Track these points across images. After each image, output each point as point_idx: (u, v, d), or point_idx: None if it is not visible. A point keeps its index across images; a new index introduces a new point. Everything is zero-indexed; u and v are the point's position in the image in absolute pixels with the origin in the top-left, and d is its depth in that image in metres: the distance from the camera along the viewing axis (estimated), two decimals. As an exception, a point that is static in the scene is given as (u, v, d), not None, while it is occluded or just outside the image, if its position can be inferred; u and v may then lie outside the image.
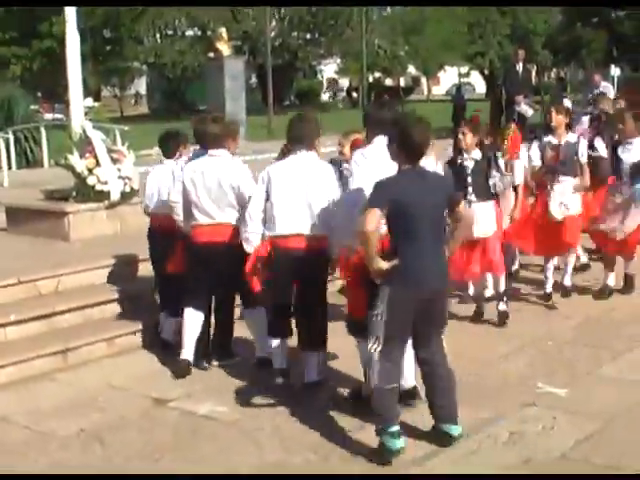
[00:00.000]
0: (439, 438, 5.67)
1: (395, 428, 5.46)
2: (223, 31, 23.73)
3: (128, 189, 10.19)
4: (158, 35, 49.72)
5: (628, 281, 9.23)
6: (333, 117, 25.72)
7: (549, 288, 8.89)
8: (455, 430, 5.66)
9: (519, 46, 25.71)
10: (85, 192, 10.05)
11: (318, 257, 6.51)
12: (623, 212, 8.66)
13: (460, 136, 8.16)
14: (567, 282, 9.08)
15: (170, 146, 7.94)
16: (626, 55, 47.28)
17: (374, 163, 5.97)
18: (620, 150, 8.90)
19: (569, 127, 8.98)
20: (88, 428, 6.18)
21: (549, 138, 8.86)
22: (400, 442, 5.48)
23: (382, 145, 5.96)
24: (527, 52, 22.19)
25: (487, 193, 8.09)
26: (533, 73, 21.77)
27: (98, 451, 5.83)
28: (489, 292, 8.66)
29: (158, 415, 6.41)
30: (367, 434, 5.72)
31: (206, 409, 6.42)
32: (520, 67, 19.40)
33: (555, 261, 9.14)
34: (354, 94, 55.05)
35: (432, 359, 5.66)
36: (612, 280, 9.05)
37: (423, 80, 68.97)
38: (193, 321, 7.16)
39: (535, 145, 8.99)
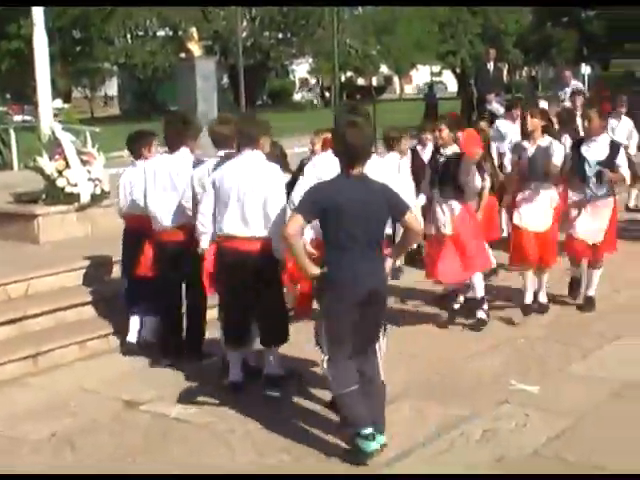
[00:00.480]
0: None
1: (367, 430, 5.43)
2: (194, 31, 23.59)
3: (98, 191, 10.13)
4: (129, 35, 49.49)
5: (586, 301, 8.63)
6: (306, 117, 25.69)
7: (528, 299, 8.44)
8: (379, 438, 5.52)
9: (490, 45, 25.88)
10: (55, 194, 9.98)
11: (261, 259, 6.39)
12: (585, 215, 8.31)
13: (437, 132, 8.13)
14: (542, 299, 8.56)
15: (134, 148, 7.95)
16: (596, 54, 47.65)
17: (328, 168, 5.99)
18: (584, 149, 8.34)
19: (547, 130, 8.50)
20: (60, 432, 6.14)
21: (523, 142, 8.57)
22: (374, 444, 5.45)
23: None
24: (498, 51, 22.34)
25: (455, 192, 7.92)
26: (504, 72, 21.86)
27: (69, 455, 5.79)
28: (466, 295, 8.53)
29: (129, 418, 6.37)
30: (341, 435, 5.72)
31: (177, 412, 6.39)
32: (491, 66, 19.52)
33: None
34: (327, 94, 55.09)
35: (365, 373, 5.59)
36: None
37: (395, 79, 69.21)
38: None
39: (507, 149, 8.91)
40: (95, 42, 43.57)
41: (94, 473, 5.49)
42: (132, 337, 7.78)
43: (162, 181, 7.25)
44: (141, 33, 49.92)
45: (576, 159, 8.36)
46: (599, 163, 8.24)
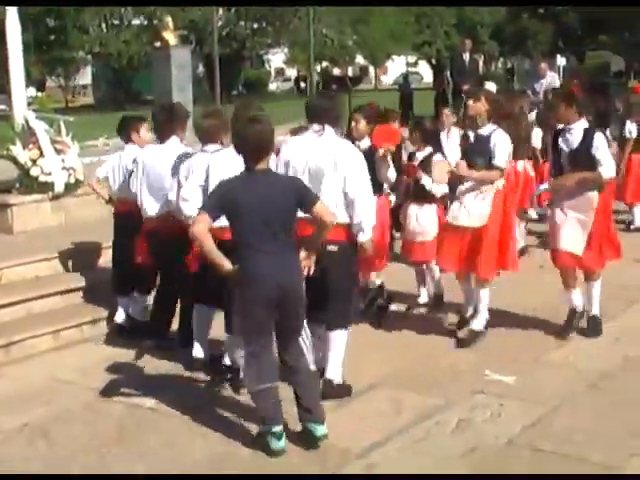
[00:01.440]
0: (304, 437, 5.61)
1: (277, 429, 5.47)
2: (169, 20, 23.45)
3: (73, 180, 10.06)
4: (104, 24, 49.13)
5: (590, 321, 7.65)
6: (281, 107, 25.64)
7: (467, 311, 7.83)
8: (319, 430, 5.56)
9: (466, 36, 25.88)
10: (28, 183, 9.90)
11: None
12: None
13: (352, 123, 7.75)
14: (477, 325, 7.53)
15: (123, 133, 8.03)
16: (571, 46, 47.89)
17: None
18: (560, 140, 7.45)
19: (492, 114, 7.47)
20: (32, 422, 6.10)
21: (469, 132, 7.69)
22: (281, 443, 5.47)
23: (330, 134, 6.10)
24: (474, 42, 22.38)
25: (376, 186, 7.11)
26: (480, 63, 21.88)
27: (42, 445, 5.75)
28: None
29: (103, 408, 6.33)
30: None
31: (152, 402, 6.35)
32: (467, 57, 19.55)
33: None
34: (302, 84, 54.99)
35: (291, 364, 5.60)
36: (579, 300, 7.66)
37: (371, 69, 69.18)
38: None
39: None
40: (69, 31, 43.24)
41: (69, 464, 5.46)
42: (119, 318, 7.81)
43: (150, 170, 7.21)
44: (116, 22, 49.55)
45: (554, 153, 7.63)
46: (573, 152, 7.33)
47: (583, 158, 7.23)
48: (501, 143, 7.35)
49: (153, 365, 7.14)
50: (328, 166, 6.11)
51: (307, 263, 5.76)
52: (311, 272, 5.85)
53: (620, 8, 37.76)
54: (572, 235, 7.32)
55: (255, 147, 5.39)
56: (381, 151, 7.60)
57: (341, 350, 6.35)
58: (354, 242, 6.24)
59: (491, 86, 11.33)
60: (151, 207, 7.21)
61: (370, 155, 7.28)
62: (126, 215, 7.61)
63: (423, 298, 8.57)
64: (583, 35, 46.43)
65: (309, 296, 5.99)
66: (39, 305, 8.01)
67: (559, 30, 46.86)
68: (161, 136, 7.35)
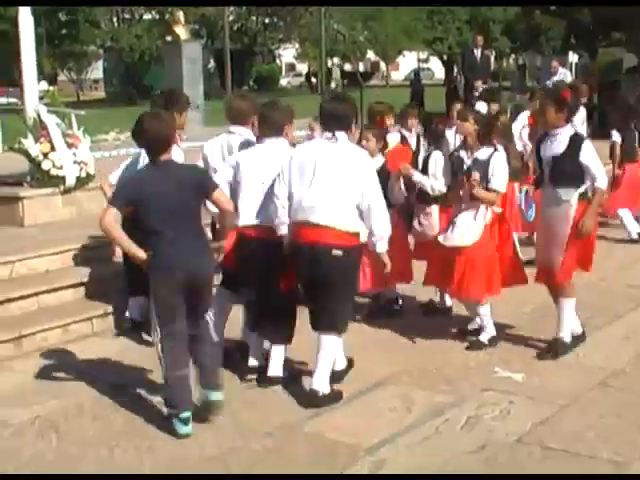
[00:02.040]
0: (201, 403, 5.87)
1: (186, 414, 5.66)
2: (181, 14, 23.51)
3: (84, 174, 10.07)
4: (115, 19, 49.25)
5: (552, 344, 7.15)
6: (292, 102, 25.64)
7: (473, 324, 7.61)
8: (214, 395, 5.83)
9: (478, 32, 25.82)
10: (40, 177, 9.91)
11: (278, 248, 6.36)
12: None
13: (363, 141, 7.53)
14: (483, 338, 7.36)
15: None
16: (584, 42, 47.67)
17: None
18: (543, 145, 7.06)
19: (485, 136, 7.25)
20: (43, 415, 6.11)
21: (460, 152, 7.43)
22: (188, 427, 5.67)
23: (343, 140, 6.13)
24: (486, 38, 22.31)
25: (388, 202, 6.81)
26: (492, 59, 21.86)
27: (53, 438, 5.76)
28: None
29: (113, 402, 6.33)
30: (327, 418, 5.75)
31: (162, 396, 6.35)
32: (479, 53, 19.47)
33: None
34: (313, 79, 54.98)
35: (198, 337, 5.85)
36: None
37: (382, 65, 69.13)
38: None
39: (439, 158, 7.82)
40: (81, 25, 43.36)
41: (79, 457, 5.48)
42: (134, 315, 7.81)
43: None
44: (127, 16, 49.69)
45: (537, 160, 7.24)
46: (555, 158, 6.91)
47: (566, 166, 6.86)
48: (499, 167, 7.14)
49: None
50: (342, 174, 6.05)
51: (218, 251, 6.01)
52: (220, 259, 6.12)
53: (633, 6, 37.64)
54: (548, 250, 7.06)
55: (154, 141, 5.69)
56: (396, 174, 7.64)
57: (330, 357, 6.25)
58: (359, 250, 6.21)
59: (481, 106, 11.16)
60: None
61: (383, 175, 7.04)
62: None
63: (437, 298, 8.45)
64: (595, 32, 46.20)
65: (310, 299, 6.05)
66: (50, 299, 8.03)
67: (571, 27, 46.62)
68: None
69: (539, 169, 7.26)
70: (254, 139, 6.91)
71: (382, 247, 6.21)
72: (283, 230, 6.26)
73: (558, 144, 6.91)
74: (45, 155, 9.87)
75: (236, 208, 6.38)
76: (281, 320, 6.49)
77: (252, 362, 6.67)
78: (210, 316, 5.92)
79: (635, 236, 11.13)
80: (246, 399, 6.31)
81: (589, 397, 6.23)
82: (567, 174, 6.87)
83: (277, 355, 6.52)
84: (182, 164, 6.00)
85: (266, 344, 6.66)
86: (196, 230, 5.74)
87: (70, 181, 9.94)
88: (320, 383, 6.18)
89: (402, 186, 7.85)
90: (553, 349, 7.08)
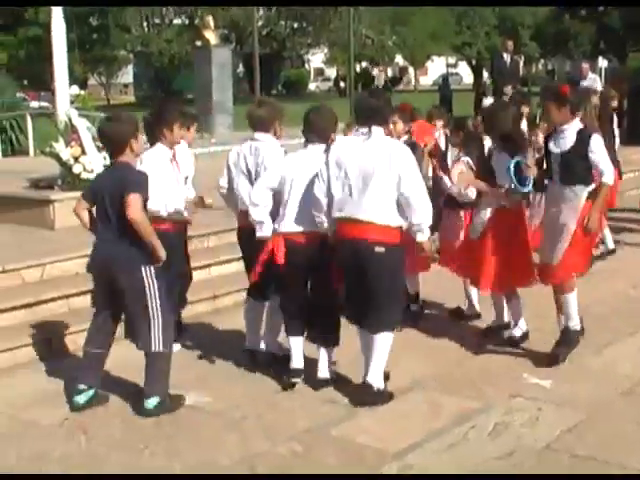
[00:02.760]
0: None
1: (82, 386, 6.26)
2: (210, 19, 23.59)
3: (114, 178, 10.13)
4: (145, 23, 49.52)
5: (562, 333, 7.12)
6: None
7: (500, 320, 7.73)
8: (147, 404, 6.15)
9: (507, 37, 25.75)
10: (70, 180, 10.00)
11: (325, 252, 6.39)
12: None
13: (390, 126, 7.42)
14: (517, 333, 7.45)
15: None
16: (613, 47, 47.36)
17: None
18: (551, 143, 7.00)
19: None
20: (72, 417, 6.17)
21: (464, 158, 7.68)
22: (81, 398, 6.27)
23: (378, 135, 6.11)
24: (515, 43, 22.25)
25: None
26: (521, 64, 21.81)
27: (82, 440, 5.81)
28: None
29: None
30: (355, 422, 5.75)
31: (191, 399, 6.40)
32: (508, 57, 19.44)
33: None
34: (342, 84, 55.01)
35: (140, 347, 6.25)
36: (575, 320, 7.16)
37: (411, 70, 69.02)
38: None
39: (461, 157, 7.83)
40: (112, 30, 43.65)
41: (107, 460, 5.52)
42: None
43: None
44: (157, 21, 49.95)
45: (545, 157, 7.18)
46: (564, 154, 6.83)
47: (576, 161, 6.78)
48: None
49: (191, 362, 7.19)
50: (380, 167, 6.02)
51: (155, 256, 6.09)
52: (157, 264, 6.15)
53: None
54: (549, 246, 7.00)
55: (108, 142, 6.18)
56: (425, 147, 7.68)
57: (385, 354, 6.30)
58: (401, 244, 6.20)
59: (488, 101, 11.12)
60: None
61: (412, 150, 6.98)
62: None
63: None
64: (625, 36, 45.93)
65: (354, 299, 6.05)
66: (79, 301, 8.09)
67: (601, 31, 46.41)
68: (150, 141, 7.37)
69: (547, 165, 7.15)
70: (277, 144, 6.98)
71: (422, 237, 6.19)
72: (325, 227, 6.30)
73: (565, 140, 6.82)
74: (76, 159, 9.96)
75: (278, 213, 6.45)
76: (329, 323, 6.55)
77: (297, 364, 6.67)
78: (153, 325, 6.08)
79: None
80: (272, 402, 6.34)
81: (616, 405, 6.19)
82: (576, 171, 6.80)
83: (325, 357, 6.58)
84: (131, 166, 6.17)
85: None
86: (125, 232, 5.95)
87: (100, 185, 9.99)
88: (375, 378, 6.23)
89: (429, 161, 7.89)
90: (566, 339, 7.05)
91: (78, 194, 9.77)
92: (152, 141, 7.30)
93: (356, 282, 6.18)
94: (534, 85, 42.41)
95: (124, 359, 7.35)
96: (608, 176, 6.82)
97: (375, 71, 54.75)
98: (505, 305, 7.61)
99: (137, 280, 6.03)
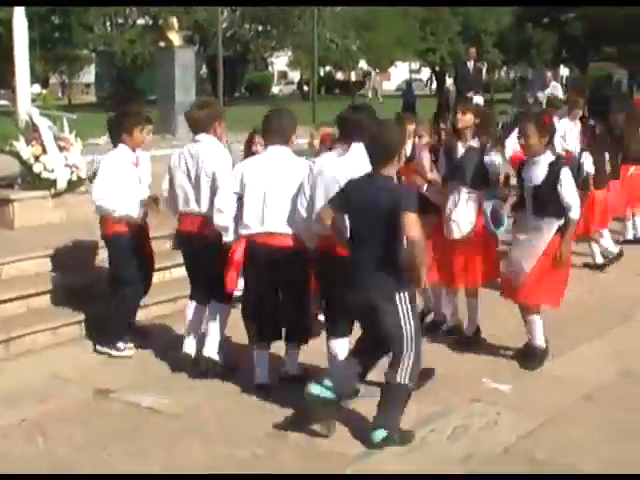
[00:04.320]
0: None
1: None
2: (174, 21, 23.51)
3: (75, 178, 10.06)
4: (108, 23, 49.15)
5: (529, 351, 7.27)
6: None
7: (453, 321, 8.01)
8: (374, 435, 5.68)
9: (471, 44, 25.92)
10: (31, 180, 9.90)
11: (294, 255, 6.37)
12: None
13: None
14: (468, 331, 7.73)
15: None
16: (575, 56, 47.86)
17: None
18: (524, 171, 7.13)
19: (483, 129, 7.55)
20: (30, 418, 6.11)
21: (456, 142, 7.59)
22: None
23: (358, 152, 6.06)
24: (478, 50, 22.44)
25: None
26: (484, 71, 22.00)
27: (40, 442, 5.76)
28: None
29: (101, 406, 6.35)
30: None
31: (149, 401, 6.37)
32: (472, 64, 19.63)
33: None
34: (305, 87, 55.03)
35: None
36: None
37: (373, 75, 69.17)
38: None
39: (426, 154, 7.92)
40: (74, 28, 43.25)
41: (66, 462, 5.48)
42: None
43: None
44: (121, 21, 49.57)
45: (520, 185, 7.26)
46: (537, 188, 6.97)
47: (547, 195, 6.89)
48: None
49: (151, 365, 7.16)
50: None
51: None
52: None
53: (625, 17, 37.85)
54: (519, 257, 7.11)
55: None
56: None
57: None
58: None
59: (478, 99, 11.13)
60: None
61: None
62: None
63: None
64: (586, 46, 46.47)
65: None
66: (39, 301, 8.02)
67: (563, 40, 46.92)
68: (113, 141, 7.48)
69: (520, 193, 7.29)
70: (219, 145, 6.97)
71: None
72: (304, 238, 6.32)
73: (538, 172, 6.95)
74: (36, 158, 9.86)
75: (247, 216, 6.41)
76: (299, 322, 6.58)
77: (259, 380, 6.61)
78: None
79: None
80: (233, 405, 6.33)
81: (575, 410, 6.26)
82: (548, 205, 6.92)
83: (293, 356, 6.69)
84: None
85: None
86: None
87: (61, 184, 9.92)
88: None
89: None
90: (531, 356, 7.18)
91: (38, 193, 9.84)
92: (115, 142, 7.33)
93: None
94: (497, 92, 42.76)
95: (86, 358, 7.35)
96: (574, 212, 6.93)
97: (372, 73, 55.08)
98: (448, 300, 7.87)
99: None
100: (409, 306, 5.58)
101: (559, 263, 6.96)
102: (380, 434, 5.61)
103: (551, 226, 6.96)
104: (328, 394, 5.68)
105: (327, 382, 5.69)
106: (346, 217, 5.84)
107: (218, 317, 6.89)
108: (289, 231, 6.34)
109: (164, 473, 5.29)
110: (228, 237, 6.54)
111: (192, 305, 7.10)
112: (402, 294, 5.55)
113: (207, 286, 6.93)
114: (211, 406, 6.30)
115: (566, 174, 6.92)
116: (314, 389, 5.67)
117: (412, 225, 5.40)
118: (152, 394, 6.49)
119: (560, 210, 6.94)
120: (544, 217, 6.97)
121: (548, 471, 5.30)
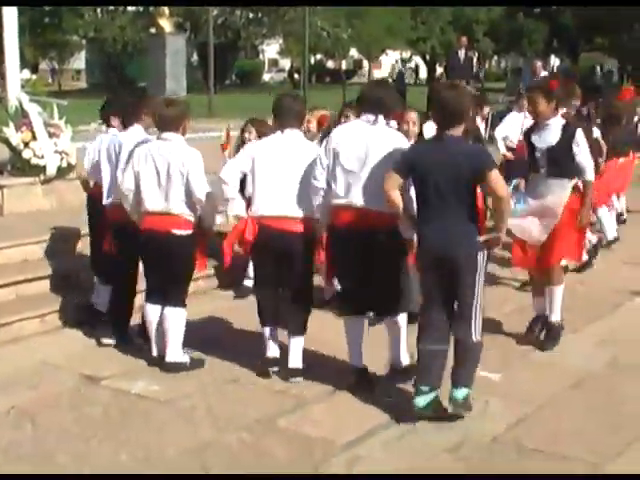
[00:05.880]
0: None
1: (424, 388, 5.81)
2: (165, 7, 23.43)
3: (65, 164, 10.03)
4: (99, 9, 48.91)
5: (549, 329, 7.43)
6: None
7: None
8: (456, 394, 5.81)
9: (461, 33, 25.91)
10: (20, 166, 9.87)
11: (303, 239, 6.37)
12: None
13: (342, 119, 7.79)
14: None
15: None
16: (566, 46, 47.88)
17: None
18: (534, 137, 7.22)
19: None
20: (19, 405, 6.09)
21: None
22: None
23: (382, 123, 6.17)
24: (469, 39, 22.45)
25: None
26: (474, 60, 22.01)
27: (29, 429, 5.74)
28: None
29: (90, 393, 6.33)
30: (305, 413, 5.77)
31: (138, 388, 6.36)
32: (462, 54, 19.62)
33: None
34: (296, 75, 54.94)
35: None
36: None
37: (365, 63, 69.07)
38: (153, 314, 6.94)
39: None
40: (64, 14, 43.05)
41: (55, 448, 5.46)
42: (101, 306, 7.72)
43: (108, 156, 7.24)
44: (111, 7, 49.33)
45: (529, 150, 7.34)
46: (550, 149, 7.08)
47: (561, 155, 7.05)
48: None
49: (140, 352, 7.13)
50: (384, 155, 6.03)
51: None
52: None
53: (616, 8, 37.86)
54: (531, 226, 7.19)
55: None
56: None
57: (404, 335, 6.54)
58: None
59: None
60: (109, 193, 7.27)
61: None
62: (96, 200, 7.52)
63: None
64: (578, 36, 46.51)
65: (364, 282, 6.16)
66: (27, 288, 7.99)
67: (554, 30, 46.94)
68: (125, 123, 7.32)
69: (531, 159, 7.32)
70: (184, 142, 6.81)
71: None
72: (318, 214, 6.31)
73: (551, 134, 7.07)
74: (26, 144, 9.83)
75: (257, 198, 6.40)
76: (301, 311, 6.56)
77: (271, 353, 6.65)
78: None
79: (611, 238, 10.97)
80: (222, 392, 6.32)
81: (564, 398, 6.27)
82: (563, 165, 7.05)
83: (296, 347, 6.58)
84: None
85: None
86: None
87: (51, 171, 9.89)
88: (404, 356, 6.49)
89: None
90: (552, 334, 7.33)
91: (28, 180, 9.80)
92: (128, 123, 7.29)
93: (361, 267, 6.13)
94: (487, 81, 42.78)
95: (74, 345, 7.33)
96: (589, 173, 7.11)
97: (394, 61, 55.17)
98: None
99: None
100: (484, 265, 5.73)
101: (580, 225, 7.12)
102: (462, 393, 5.74)
103: (566, 186, 7.09)
104: (431, 396, 5.75)
105: (422, 387, 5.75)
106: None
107: (175, 322, 6.76)
108: (300, 214, 6.34)
109: (147, 460, 5.28)
110: (233, 210, 6.53)
111: (149, 307, 6.92)
112: (483, 253, 5.68)
113: (162, 289, 6.80)
114: (200, 393, 6.29)
115: (581, 134, 7.09)
116: (418, 402, 5.74)
117: (498, 181, 5.52)
118: (142, 380, 6.48)
119: (573, 170, 7.08)
120: (558, 178, 7.09)
121: (537, 459, 5.31)
